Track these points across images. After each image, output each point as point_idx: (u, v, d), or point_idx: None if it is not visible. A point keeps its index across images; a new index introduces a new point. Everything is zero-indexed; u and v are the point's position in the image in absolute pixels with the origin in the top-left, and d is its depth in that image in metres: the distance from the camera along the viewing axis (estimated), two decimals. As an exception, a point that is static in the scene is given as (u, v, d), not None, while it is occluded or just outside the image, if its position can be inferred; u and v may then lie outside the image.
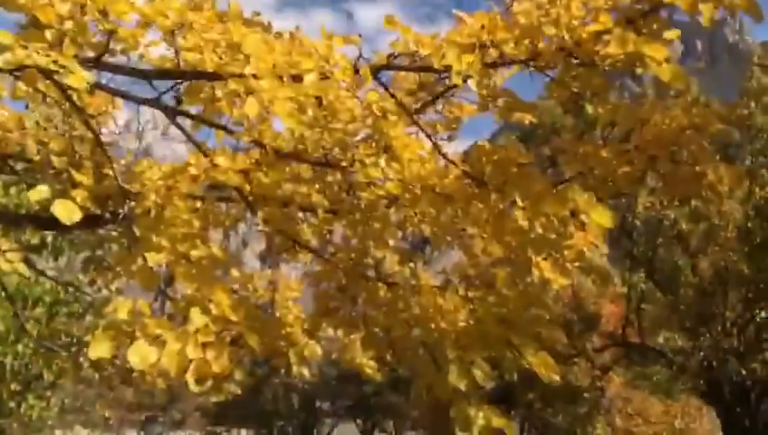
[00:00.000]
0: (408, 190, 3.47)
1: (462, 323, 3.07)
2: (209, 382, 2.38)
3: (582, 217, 2.56)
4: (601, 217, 2.57)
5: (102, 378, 6.24)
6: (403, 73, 4.97)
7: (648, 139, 3.85)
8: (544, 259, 4.12)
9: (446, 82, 4.85)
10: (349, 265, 3.18)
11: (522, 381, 20.17)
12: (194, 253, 2.96)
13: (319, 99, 2.75)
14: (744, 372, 15.24)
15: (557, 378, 3.09)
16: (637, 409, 22.00)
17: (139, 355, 2.26)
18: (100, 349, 2.28)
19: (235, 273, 6.71)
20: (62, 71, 2.12)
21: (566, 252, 4.22)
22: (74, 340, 9.14)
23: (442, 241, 3.34)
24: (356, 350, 7.03)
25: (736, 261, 14.56)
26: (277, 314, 6.27)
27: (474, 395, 2.97)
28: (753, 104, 15.92)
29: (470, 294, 3.17)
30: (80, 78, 2.18)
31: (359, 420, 29.14)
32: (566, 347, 17.76)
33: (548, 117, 18.01)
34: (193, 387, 2.34)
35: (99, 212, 2.92)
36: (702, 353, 14.87)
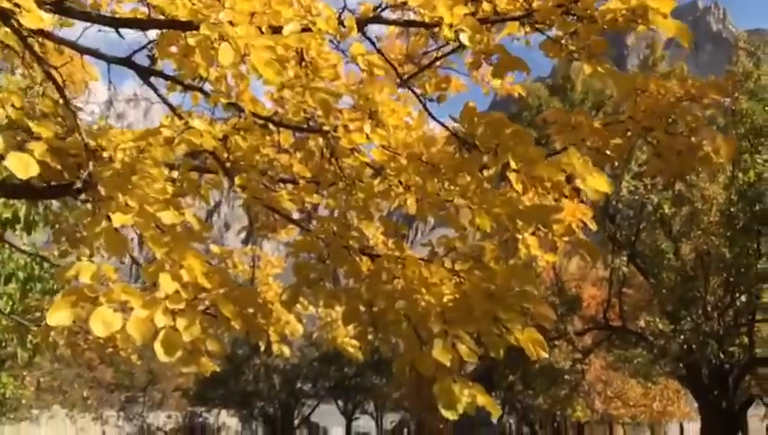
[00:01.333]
0: (394, 159, 3.32)
1: (448, 297, 2.94)
2: (179, 353, 2.22)
3: (578, 182, 2.42)
4: (598, 183, 2.44)
5: (76, 354, 6.05)
6: (389, 44, 4.80)
7: (641, 109, 3.72)
8: (532, 234, 4.01)
9: (435, 51, 4.70)
10: (330, 236, 3.02)
11: (503, 362, 20.25)
12: (165, 217, 2.79)
13: (300, 54, 2.58)
14: (722, 356, 15.37)
15: (545, 355, 2.98)
16: (616, 391, 22.20)
17: (102, 322, 2.10)
18: (59, 316, 2.11)
19: (214, 249, 6.54)
20: (17, 10, 1.94)
21: (555, 226, 4.11)
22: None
23: (428, 212, 3.19)
24: (337, 329, 6.91)
25: (718, 245, 14.61)
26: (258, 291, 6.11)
27: (458, 372, 2.85)
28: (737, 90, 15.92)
29: (456, 267, 3.03)
30: (36, 18, 1.99)
31: (340, 402, 29.14)
32: (547, 329, 17.82)
33: (534, 99, 17.89)
34: (162, 357, 2.18)
35: (67, 176, 2.73)
36: (682, 337, 14.95)
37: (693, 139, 3.57)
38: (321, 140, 3.11)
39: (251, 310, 2.62)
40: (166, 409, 36.38)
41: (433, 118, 2.88)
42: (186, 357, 2.24)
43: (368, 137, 3.25)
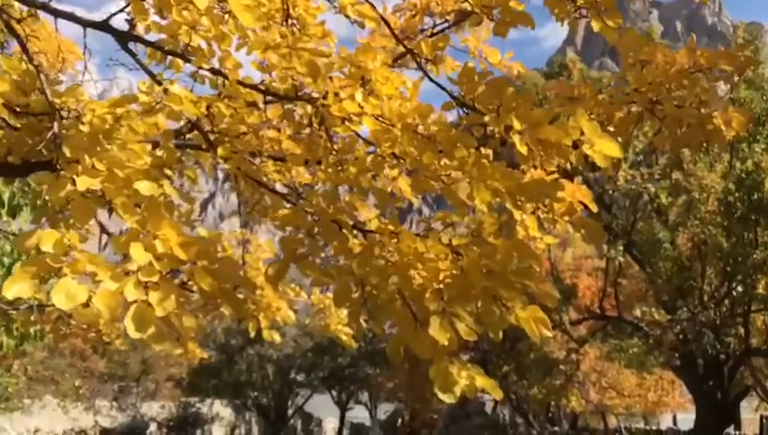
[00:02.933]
0: (388, 131, 3.14)
1: (444, 274, 2.75)
2: (152, 330, 2.03)
3: (585, 147, 2.24)
4: (608, 147, 2.26)
5: (58, 339, 5.86)
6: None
7: (648, 81, 3.54)
8: (532, 213, 3.83)
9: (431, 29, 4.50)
10: (320, 210, 2.83)
11: (497, 353, 20.15)
12: (142, 188, 2.60)
13: (286, 11, 2.39)
14: (718, 346, 15.28)
15: (548, 334, 2.80)
16: (611, 382, 22.13)
17: (66, 294, 1.91)
18: (18, 288, 1.92)
19: (202, 232, 6.33)
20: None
21: (556, 205, 3.93)
22: (36, 304, 8.70)
23: (424, 186, 3.00)
24: (330, 316, 6.72)
25: (715, 235, 14.48)
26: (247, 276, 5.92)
27: (456, 353, 2.68)
28: (735, 78, 15.77)
29: (454, 242, 2.85)
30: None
31: (334, 392, 29.01)
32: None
33: (531, 87, 17.69)
34: (133, 333, 2.00)
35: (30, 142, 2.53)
36: (678, 327, 14.84)
37: (702, 110, 3.40)
38: (309, 108, 2.91)
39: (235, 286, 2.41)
40: (159, 399, 36.20)
41: (430, 79, 2.69)
42: (159, 334, 2.05)
43: (360, 107, 3.07)
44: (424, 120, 3.18)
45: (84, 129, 2.34)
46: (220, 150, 2.96)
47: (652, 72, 3.57)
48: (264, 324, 5.83)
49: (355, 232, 3.01)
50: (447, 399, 2.58)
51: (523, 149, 2.34)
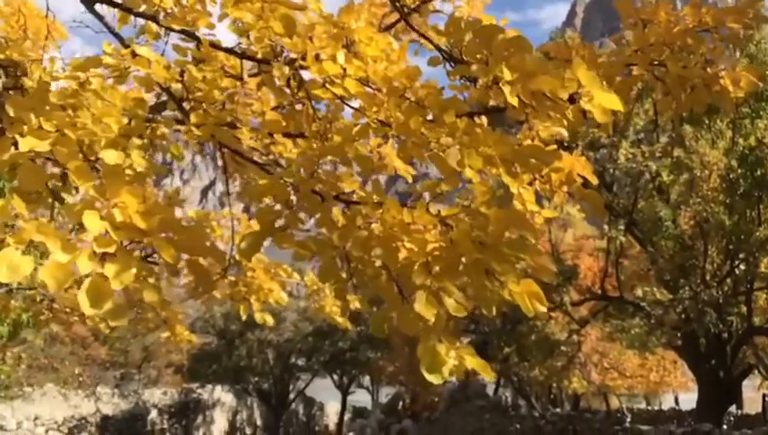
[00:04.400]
0: (374, 96, 2.94)
1: (432, 246, 2.57)
2: (109, 305, 1.85)
3: (584, 102, 2.05)
4: (608, 99, 2.06)
5: (40, 325, 5.71)
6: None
7: (650, 42, 3.34)
8: (529, 184, 3.65)
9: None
10: (299, 179, 2.64)
11: (498, 335, 20.02)
12: (108, 156, 2.41)
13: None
14: (720, 325, 15.13)
15: (544, 309, 2.62)
16: (612, 362, 22.04)
17: (8, 266, 1.73)
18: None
19: (191, 212, 6.14)
20: None
21: (554, 175, 3.74)
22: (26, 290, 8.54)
23: (411, 152, 2.81)
24: (324, 298, 6.54)
25: (717, 212, 14.27)
26: (237, 257, 5.75)
27: (445, 330, 2.50)
28: (737, 54, 15.49)
29: (443, 212, 2.66)
30: None
31: (335, 376, 28.97)
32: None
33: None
34: (87, 309, 1.82)
35: None
36: (680, 306, 14.68)
37: (709, 70, 3.20)
38: (286, 69, 2.71)
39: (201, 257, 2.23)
40: (162, 386, 36.25)
41: (413, 30, 2.48)
42: (116, 310, 1.87)
43: (343, 69, 2.87)
44: (412, 83, 2.99)
45: (30, 83, 2.14)
46: (193, 117, 2.77)
47: (654, 31, 3.36)
48: (256, 307, 5.67)
49: (340, 204, 2.83)
50: (434, 380, 2.41)
51: (514, 101, 2.14)
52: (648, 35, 3.33)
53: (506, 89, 2.12)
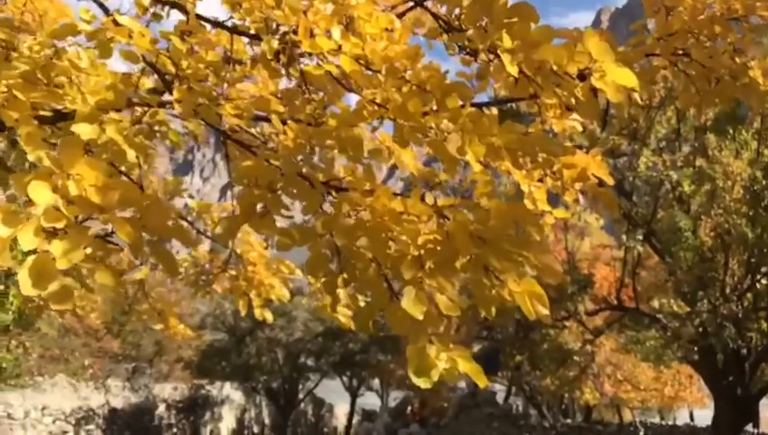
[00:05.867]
0: (367, 78, 2.73)
1: (426, 238, 2.36)
2: (54, 286, 1.66)
3: (595, 78, 1.82)
4: (621, 75, 1.83)
5: (32, 315, 5.59)
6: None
7: (674, 30, 3.10)
8: (539, 181, 3.43)
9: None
10: (286, 162, 2.44)
11: (509, 342, 19.71)
12: (78, 127, 2.23)
13: None
14: (740, 341, 14.70)
15: (546, 312, 2.39)
16: (626, 375, 21.60)
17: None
18: None
19: (192, 203, 5.96)
20: None
21: (566, 172, 3.52)
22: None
23: (408, 138, 2.60)
24: (325, 296, 6.32)
25: (740, 224, 13.87)
26: (238, 251, 5.56)
27: (436, 329, 2.29)
28: None
29: (439, 202, 2.45)
30: None
31: (344, 378, 28.77)
32: (557, 309, 17.23)
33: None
34: (28, 289, 1.64)
35: None
36: (698, 320, 14.28)
37: (737, 60, 2.95)
38: (275, 42, 2.51)
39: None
40: (173, 381, 36.35)
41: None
42: (62, 293, 1.68)
43: (339, 46, 2.67)
44: (413, 64, 2.78)
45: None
46: (175, 92, 2.58)
47: (679, 18, 3.12)
48: (256, 303, 5.48)
49: (330, 191, 2.63)
50: (423, 384, 2.19)
51: (513, 70, 1.91)
52: (671, 23, 3.09)
53: (506, 58, 1.90)
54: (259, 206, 2.36)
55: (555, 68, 1.86)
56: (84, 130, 2.31)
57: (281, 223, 2.59)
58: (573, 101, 1.92)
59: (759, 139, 14.85)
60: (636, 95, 2.61)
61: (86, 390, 27.01)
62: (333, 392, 32.17)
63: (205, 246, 5.67)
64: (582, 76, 1.87)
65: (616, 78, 1.83)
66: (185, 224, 3.84)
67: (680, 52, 3.09)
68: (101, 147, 2.42)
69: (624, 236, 16.86)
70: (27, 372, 23.21)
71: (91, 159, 1.86)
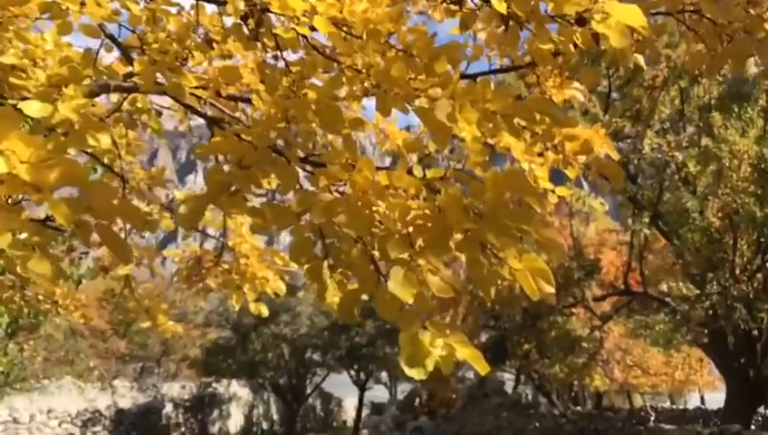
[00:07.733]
0: (347, 43, 2.50)
1: (415, 213, 2.12)
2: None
3: (596, 22, 1.58)
4: (628, 14, 1.59)
5: (14, 313, 5.41)
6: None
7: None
8: (540, 155, 3.20)
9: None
10: (258, 136, 2.21)
11: (517, 330, 19.47)
12: (25, 104, 2.01)
13: None
14: (751, 322, 14.45)
15: (551, 290, 2.16)
16: (636, 360, 21.37)
17: None
18: None
19: (179, 194, 5.72)
20: None
21: (568, 144, 3.29)
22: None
23: (393, 105, 2.37)
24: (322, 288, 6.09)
25: (748, 203, 13.59)
26: (230, 244, 5.32)
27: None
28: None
29: (429, 174, 2.21)
30: None
31: (352, 371, 28.59)
32: (564, 296, 16.98)
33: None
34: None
35: None
36: (708, 302, 14.02)
37: (752, 11, 2.70)
38: (241, 4, 2.28)
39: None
40: (180, 380, 36.32)
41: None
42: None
43: (313, 7, 2.43)
44: (397, 27, 2.54)
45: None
46: (136, 65, 2.35)
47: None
48: (250, 297, 5.26)
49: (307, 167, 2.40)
50: (416, 375, 1.97)
51: (501, 8, 1.67)
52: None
53: (498, 6, 1.65)
54: (228, 183, 2.13)
55: (550, 7, 1.62)
56: (32, 108, 2.09)
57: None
58: (572, 47, 1.67)
59: (765, 116, 14.55)
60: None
61: (93, 391, 26.89)
62: (342, 386, 32.03)
63: (207, 244, 5.47)
64: (582, 21, 1.63)
65: (621, 17, 1.58)
66: (139, 205, 3.63)
67: (689, 7, 2.84)
68: (58, 126, 2.20)
69: (630, 220, 16.61)
70: (33, 375, 23.11)
71: (25, 133, 1.63)
